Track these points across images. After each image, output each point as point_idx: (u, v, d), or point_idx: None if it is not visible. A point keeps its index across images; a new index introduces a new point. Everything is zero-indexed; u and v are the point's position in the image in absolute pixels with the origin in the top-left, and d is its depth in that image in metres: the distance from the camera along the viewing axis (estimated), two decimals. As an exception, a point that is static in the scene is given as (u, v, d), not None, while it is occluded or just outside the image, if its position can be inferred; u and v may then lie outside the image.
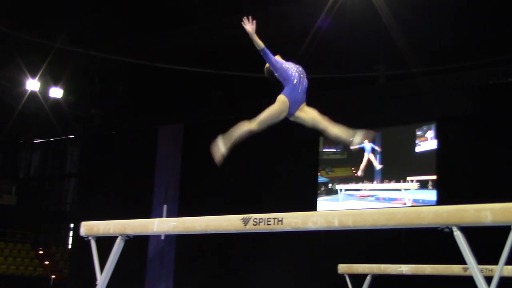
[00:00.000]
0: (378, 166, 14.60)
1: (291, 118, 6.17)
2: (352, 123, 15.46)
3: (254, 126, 5.95)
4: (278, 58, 6.28)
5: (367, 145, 14.64)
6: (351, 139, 5.72)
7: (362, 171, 14.71)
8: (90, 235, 6.18)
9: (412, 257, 11.14)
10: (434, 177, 13.65)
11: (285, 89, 6.13)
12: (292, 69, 6.15)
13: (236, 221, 5.33)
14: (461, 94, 13.41)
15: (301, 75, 6.11)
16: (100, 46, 16.79)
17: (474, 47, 13.53)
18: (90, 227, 6.20)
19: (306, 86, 6.16)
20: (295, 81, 6.12)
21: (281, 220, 5.12)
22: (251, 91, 16.80)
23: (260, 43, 6.22)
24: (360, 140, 5.70)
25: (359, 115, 15.01)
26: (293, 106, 6.09)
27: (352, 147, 5.57)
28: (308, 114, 6.05)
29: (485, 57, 13.40)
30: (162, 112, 18.56)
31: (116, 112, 19.39)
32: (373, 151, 14.70)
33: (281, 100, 6.06)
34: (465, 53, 13.61)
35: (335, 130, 5.93)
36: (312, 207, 15.05)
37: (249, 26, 6.11)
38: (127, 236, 5.96)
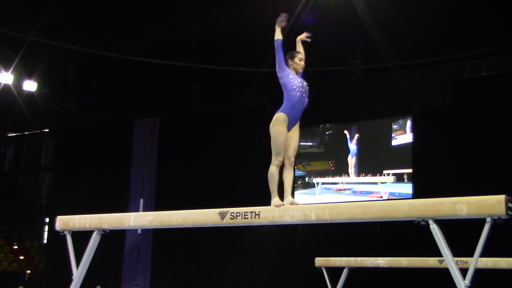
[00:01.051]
0: (353, 174, 14.71)
1: None
2: (328, 116, 15.59)
3: (276, 164, 5.77)
4: (291, 70, 6.01)
5: (352, 148, 14.75)
6: (284, 197, 5.64)
7: (352, 174, 14.78)
8: (66, 230, 6.14)
9: (388, 250, 11.23)
10: (410, 170, 13.75)
11: (285, 106, 5.90)
12: (297, 84, 5.88)
13: (213, 215, 5.33)
14: (436, 88, 13.50)
15: (304, 94, 5.94)
16: (75, 39, 16.62)
17: (449, 42, 13.64)
18: (65, 222, 6.17)
19: (305, 105, 6.01)
20: (296, 98, 5.89)
21: (258, 214, 5.14)
22: (228, 85, 16.78)
23: (279, 35, 6.15)
24: (285, 203, 5.56)
25: (335, 109, 15.08)
26: (290, 124, 5.92)
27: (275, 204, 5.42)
28: (293, 141, 5.94)
29: (460, 52, 13.51)
30: (138, 106, 18.46)
31: (92, 105, 19.23)
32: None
33: (281, 119, 5.86)
34: (440, 48, 13.72)
35: (288, 176, 5.84)
36: (289, 200, 15.06)
37: (283, 22, 6.14)
38: (103, 230, 5.94)
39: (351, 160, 14.79)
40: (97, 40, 16.85)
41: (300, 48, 6.15)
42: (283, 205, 5.37)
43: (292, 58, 6.04)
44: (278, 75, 5.93)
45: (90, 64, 18.28)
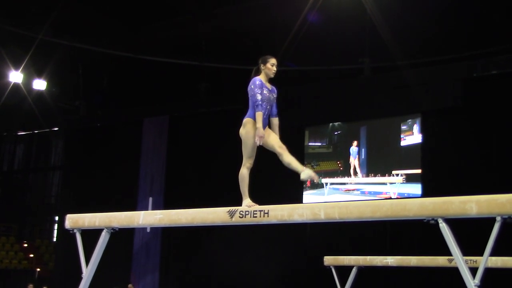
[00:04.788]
0: (359, 174, 14.67)
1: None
2: (337, 115, 15.58)
3: (247, 166, 5.95)
4: (262, 75, 6.22)
5: (353, 150, 14.73)
6: (300, 172, 5.77)
7: (354, 175, 14.75)
8: (76, 228, 6.16)
9: (397, 249, 11.21)
10: (419, 171, 13.71)
11: (250, 112, 6.13)
12: (265, 97, 6.11)
13: (222, 214, 5.34)
14: (445, 87, 13.46)
15: (270, 105, 6.12)
16: (84, 38, 16.67)
17: (458, 40, 13.58)
18: (75, 220, 6.18)
19: (273, 112, 6.19)
20: (263, 109, 6.09)
21: (267, 213, 5.14)
22: (236, 84, 16.76)
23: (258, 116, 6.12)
24: (305, 177, 5.74)
25: (344, 108, 15.06)
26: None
27: (301, 179, 5.67)
28: (270, 138, 6.08)
29: (469, 50, 13.45)
30: (147, 105, 18.49)
31: (101, 104, 19.27)
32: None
33: (251, 123, 6.09)
34: (450, 46, 13.67)
35: (288, 159, 5.98)
36: (298, 200, 15.06)
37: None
38: (113, 229, 5.96)
39: (354, 162, 14.80)
40: (106, 39, 16.90)
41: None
42: (254, 205, 5.48)
43: (265, 63, 6.20)
44: (249, 90, 6.19)
45: (100, 63, 18.32)
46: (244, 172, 6.11)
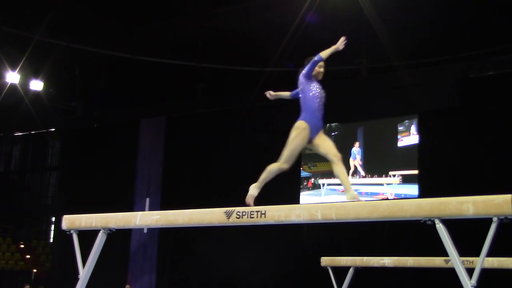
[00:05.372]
0: (362, 172, 14.66)
1: (308, 145, 6.10)
2: (334, 116, 15.60)
3: (282, 165, 5.88)
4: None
5: (354, 151, 14.74)
6: (346, 191, 5.80)
7: (352, 175, 14.76)
8: (72, 229, 6.14)
9: (394, 249, 11.22)
10: (416, 171, 13.73)
11: (304, 115, 6.08)
12: (316, 92, 6.11)
13: (219, 214, 5.33)
14: (442, 88, 13.48)
15: (322, 101, 6.11)
16: (81, 39, 16.66)
17: (455, 41, 13.61)
18: (72, 221, 6.17)
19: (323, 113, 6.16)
20: (316, 105, 6.08)
21: (264, 213, 5.13)
22: (234, 84, 16.78)
23: (327, 54, 6.32)
24: (349, 199, 5.78)
25: (341, 109, 15.06)
26: (314, 132, 6.04)
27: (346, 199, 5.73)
28: (325, 143, 6.02)
29: (465, 51, 13.47)
30: (144, 105, 18.48)
31: (98, 105, 19.27)
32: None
33: (302, 127, 5.98)
34: (446, 47, 13.69)
35: (340, 170, 5.93)
36: (295, 201, 15.08)
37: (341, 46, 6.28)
38: (110, 229, 5.94)
39: (353, 162, 14.80)
40: (103, 39, 16.89)
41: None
42: (253, 199, 5.76)
43: (311, 65, 6.28)
44: (300, 83, 6.25)
45: (97, 63, 18.33)
46: (274, 168, 6.18)
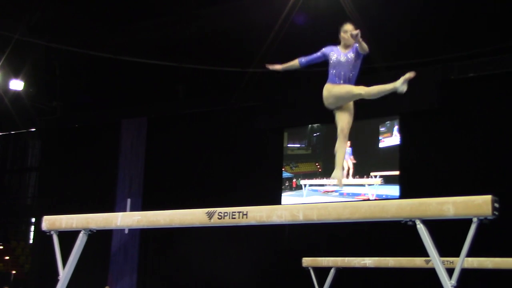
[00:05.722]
0: (350, 175, 14.64)
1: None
2: (316, 117, 15.64)
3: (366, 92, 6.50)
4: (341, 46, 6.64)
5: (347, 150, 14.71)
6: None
7: (346, 176, 14.73)
8: (52, 230, 6.11)
9: (375, 250, 11.28)
10: (397, 172, 13.80)
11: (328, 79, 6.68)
12: (334, 60, 6.75)
13: (201, 215, 5.33)
14: (423, 89, 13.57)
15: (339, 69, 6.44)
16: (62, 38, 16.53)
17: (436, 43, 13.70)
18: (52, 222, 6.14)
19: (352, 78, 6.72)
20: (331, 74, 6.85)
21: (246, 214, 5.14)
22: (216, 85, 16.76)
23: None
24: (332, 176, 5.99)
25: (323, 110, 15.07)
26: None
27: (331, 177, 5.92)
28: (341, 115, 6.59)
29: (447, 53, 13.58)
30: (125, 106, 18.41)
31: (79, 105, 19.15)
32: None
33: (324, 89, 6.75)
34: (428, 49, 13.78)
35: (337, 148, 6.31)
36: (277, 202, 15.10)
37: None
38: (90, 230, 5.92)
39: (346, 163, 14.78)
40: (84, 39, 16.78)
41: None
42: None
43: (339, 32, 6.66)
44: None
45: (78, 63, 18.19)
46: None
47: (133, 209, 16.86)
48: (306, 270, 9.06)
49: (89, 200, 16.86)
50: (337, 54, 6.55)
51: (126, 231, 17.09)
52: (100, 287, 16.76)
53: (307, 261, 9.08)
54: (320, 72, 15.37)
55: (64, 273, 5.93)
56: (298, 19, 14.06)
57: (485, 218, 4.25)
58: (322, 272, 8.99)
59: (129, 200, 17.46)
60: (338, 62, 6.53)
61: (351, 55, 6.38)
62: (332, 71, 6.55)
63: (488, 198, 4.22)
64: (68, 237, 5.97)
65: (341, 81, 6.40)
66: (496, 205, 4.21)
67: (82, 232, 5.92)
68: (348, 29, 6.44)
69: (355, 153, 14.75)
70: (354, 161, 14.67)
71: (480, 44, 13.17)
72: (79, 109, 19.18)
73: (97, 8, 16.03)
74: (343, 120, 6.42)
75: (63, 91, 19.10)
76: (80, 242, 5.91)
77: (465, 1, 13.21)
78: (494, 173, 12.72)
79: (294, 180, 15.49)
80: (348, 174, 14.62)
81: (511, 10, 13.04)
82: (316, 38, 14.67)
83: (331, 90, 6.33)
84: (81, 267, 6.21)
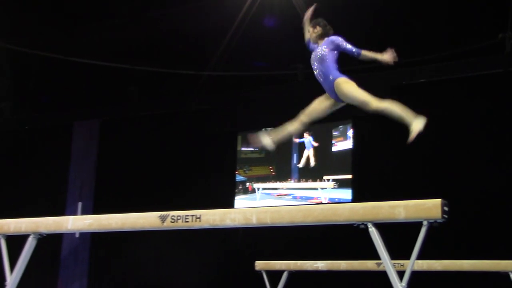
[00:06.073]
0: (313, 163, 14.68)
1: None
2: (270, 121, 15.65)
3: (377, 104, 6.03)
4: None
5: (307, 140, 14.77)
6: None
7: (302, 164, 14.76)
8: (0, 234, 5.99)
9: (328, 253, 11.35)
10: (349, 176, 13.93)
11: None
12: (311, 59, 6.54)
13: (154, 219, 5.29)
14: (377, 93, 13.72)
15: (315, 64, 6.43)
16: (11, 38, 16.22)
17: (388, 47, 13.87)
18: (0, 226, 6.01)
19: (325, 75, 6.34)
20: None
21: (199, 217, 5.13)
22: (169, 88, 16.67)
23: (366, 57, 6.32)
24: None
25: (277, 113, 15.15)
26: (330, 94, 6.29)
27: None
28: (318, 105, 6.45)
29: (398, 58, 13.77)
30: (77, 108, 18.15)
31: (29, 106, 18.79)
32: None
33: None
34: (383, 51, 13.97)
35: (286, 126, 6.28)
36: (230, 205, 15.10)
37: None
38: (40, 234, 5.82)
39: (308, 153, 14.81)
40: (35, 40, 16.50)
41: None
42: None
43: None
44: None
45: (28, 64, 17.86)
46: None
47: (84, 212, 16.63)
48: (259, 273, 9.07)
49: (39, 203, 16.54)
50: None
51: (77, 235, 16.85)
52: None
53: (260, 265, 9.10)
54: (273, 76, 15.48)
55: (12, 279, 5.81)
56: (268, 22, 14.14)
57: (435, 221, 4.33)
58: (275, 275, 9.01)
59: (80, 204, 17.22)
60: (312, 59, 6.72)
61: (318, 49, 6.53)
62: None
63: (438, 201, 4.29)
64: (16, 241, 5.86)
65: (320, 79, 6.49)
66: (446, 208, 4.29)
67: (31, 236, 5.81)
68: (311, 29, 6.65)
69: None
70: (317, 144, 14.72)
71: (430, 51, 13.43)
72: (29, 110, 18.81)
73: (49, 9, 15.81)
74: (314, 106, 6.50)
75: (13, 92, 18.71)
76: (29, 246, 5.80)
77: (415, 9, 13.47)
78: (445, 177, 12.97)
79: (250, 184, 15.51)
80: (309, 161, 14.68)
81: (457, 20, 13.34)
82: (270, 43, 14.80)
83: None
84: (30, 272, 6.09)
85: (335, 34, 6.92)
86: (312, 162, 14.68)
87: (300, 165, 14.79)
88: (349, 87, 6.29)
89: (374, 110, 5.98)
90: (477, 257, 8.90)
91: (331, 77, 6.38)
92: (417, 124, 5.40)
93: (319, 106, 6.26)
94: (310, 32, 6.68)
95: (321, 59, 6.42)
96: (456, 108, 13.39)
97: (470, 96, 13.45)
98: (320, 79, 6.40)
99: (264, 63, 15.09)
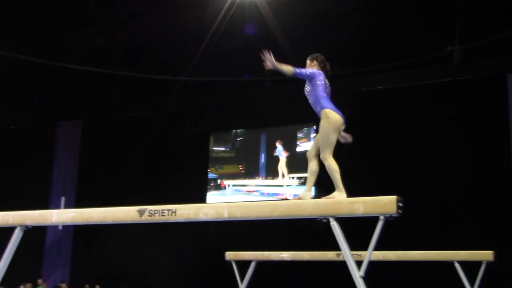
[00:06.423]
0: (286, 174, 14.68)
1: None
2: (240, 123, 15.62)
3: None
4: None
5: (278, 149, 14.83)
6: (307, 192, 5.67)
7: (280, 178, 14.77)
8: (-12, 226, 5.88)
9: (292, 245, 11.38)
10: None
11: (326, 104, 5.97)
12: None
13: (132, 213, 5.26)
14: (338, 99, 13.79)
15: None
16: (0, 45, 15.98)
17: (350, 58, 13.98)
18: (-13, 218, 5.91)
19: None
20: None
21: (175, 212, 5.10)
22: (147, 92, 16.58)
23: (288, 69, 5.86)
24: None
25: (246, 116, 15.20)
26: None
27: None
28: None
29: (359, 66, 13.90)
30: (61, 109, 17.97)
31: (16, 107, 18.50)
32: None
33: (329, 113, 6.00)
34: (342, 62, 14.06)
35: (314, 167, 5.85)
36: (203, 200, 15.07)
37: (269, 62, 5.78)
38: (26, 226, 5.74)
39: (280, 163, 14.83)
40: (22, 44, 16.28)
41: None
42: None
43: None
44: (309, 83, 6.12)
45: (16, 67, 17.60)
46: (334, 163, 5.71)
47: (67, 206, 16.49)
48: (229, 263, 9.05)
49: (24, 197, 16.29)
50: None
51: (60, 227, 16.69)
52: (32, 281, 16.29)
53: (230, 255, 9.07)
54: (244, 82, 15.47)
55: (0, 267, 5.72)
56: (248, 29, 14.14)
57: (391, 216, 4.37)
58: (244, 265, 9.00)
59: (63, 198, 17.09)
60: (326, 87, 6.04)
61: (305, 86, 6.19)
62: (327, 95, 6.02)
63: (393, 198, 4.34)
64: (2, 233, 5.77)
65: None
66: (400, 204, 4.34)
67: (18, 228, 5.72)
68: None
69: (274, 156, 14.90)
70: (287, 154, 14.74)
71: (388, 61, 13.55)
72: (16, 111, 18.52)
73: (37, 17, 15.66)
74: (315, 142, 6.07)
75: (0, 93, 18.42)
76: (16, 237, 5.71)
77: (374, 23, 13.60)
78: (399, 175, 13.10)
79: (222, 180, 15.48)
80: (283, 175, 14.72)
81: (411, 33, 13.50)
82: (242, 51, 14.81)
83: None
84: (16, 261, 6.00)
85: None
86: (286, 173, 14.68)
87: (279, 180, 14.75)
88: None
89: (322, 159, 5.81)
90: (427, 248, 9.02)
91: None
92: (337, 195, 5.29)
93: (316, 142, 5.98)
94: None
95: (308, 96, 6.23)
96: (411, 113, 13.55)
97: (422, 101, 13.63)
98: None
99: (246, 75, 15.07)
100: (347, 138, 5.93)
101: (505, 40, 12.33)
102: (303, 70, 5.81)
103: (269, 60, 5.61)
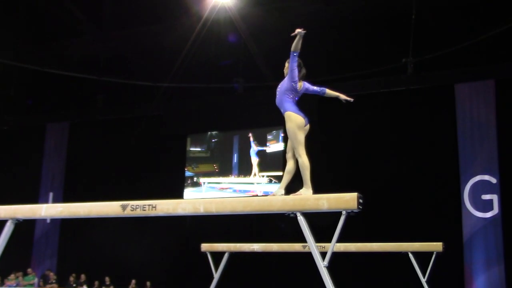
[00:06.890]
0: (257, 174, 14.65)
1: None
2: (215, 125, 15.53)
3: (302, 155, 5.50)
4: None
5: (253, 150, 14.79)
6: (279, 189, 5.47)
7: (254, 175, 14.73)
8: (-19, 219, 5.77)
9: (262, 237, 11.40)
10: (281, 173, 14.01)
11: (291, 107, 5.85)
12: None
13: (116, 207, 5.21)
14: (304, 105, 13.86)
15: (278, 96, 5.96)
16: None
17: (316, 67, 14.00)
18: (-19, 212, 5.79)
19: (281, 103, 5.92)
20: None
21: (155, 207, 5.07)
22: (130, 96, 16.47)
23: (296, 48, 5.84)
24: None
25: (220, 119, 15.18)
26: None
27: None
28: None
29: (323, 76, 13.96)
30: (50, 111, 17.75)
31: (8, 110, 18.20)
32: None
33: (292, 115, 5.86)
34: (308, 72, 14.11)
35: (291, 167, 5.73)
36: (180, 196, 15.01)
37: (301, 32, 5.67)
38: (17, 219, 5.65)
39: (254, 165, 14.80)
40: (14, 51, 16.05)
41: None
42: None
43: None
44: (292, 83, 6.04)
45: (7, 71, 17.31)
46: (307, 160, 5.50)
47: (55, 201, 16.39)
48: (204, 254, 9.02)
49: (15, 193, 16.04)
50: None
51: (48, 221, 16.54)
52: (23, 270, 16.07)
53: (205, 247, 9.04)
54: (218, 88, 15.41)
55: (-8, 258, 5.62)
56: (232, 38, 14.13)
57: (352, 211, 4.40)
58: (218, 256, 8.98)
59: (51, 194, 16.94)
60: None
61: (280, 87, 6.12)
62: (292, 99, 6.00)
63: (354, 195, 4.37)
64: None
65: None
66: (361, 200, 4.37)
67: (9, 221, 5.63)
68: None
69: (246, 156, 14.90)
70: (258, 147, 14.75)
71: (350, 70, 13.66)
72: (7, 113, 18.22)
73: (29, 26, 15.48)
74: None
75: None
76: (7, 230, 5.62)
77: (337, 37, 13.68)
78: (361, 174, 13.21)
79: (198, 178, 15.43)
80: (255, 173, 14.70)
81: (370, 45, 13.61)
82: (216, 60, 14.79)
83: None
84: (6, 252, 5.89)
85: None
86: (257, 172, 14.65)
87: (252, 176, 14.71)
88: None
89: (297, 156, 5.70)
90: (384, 240, 9.11)
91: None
92: (304, 191, 5.20)
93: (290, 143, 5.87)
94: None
95: (280, 97, 6.15)
96: (368, 117, 13.67)
97: (380, 107, 13.77)
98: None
99: (229, 62, 14.94)
100: (347, 98, 5.98)
101: (453, 54, 12.53)
102: (296, 68, 5.78)
103: (300, 33, 5.63)
